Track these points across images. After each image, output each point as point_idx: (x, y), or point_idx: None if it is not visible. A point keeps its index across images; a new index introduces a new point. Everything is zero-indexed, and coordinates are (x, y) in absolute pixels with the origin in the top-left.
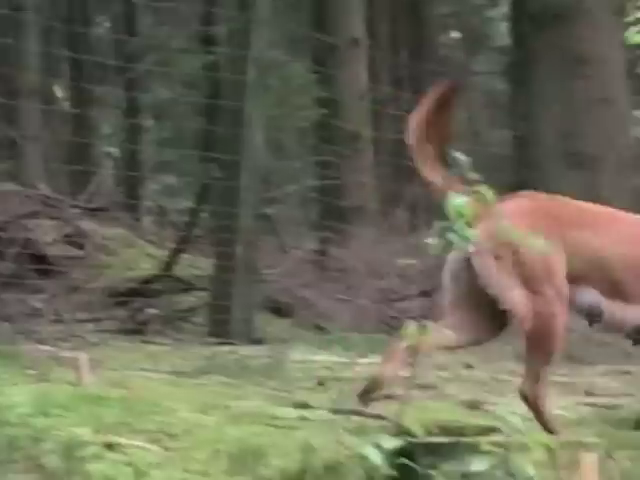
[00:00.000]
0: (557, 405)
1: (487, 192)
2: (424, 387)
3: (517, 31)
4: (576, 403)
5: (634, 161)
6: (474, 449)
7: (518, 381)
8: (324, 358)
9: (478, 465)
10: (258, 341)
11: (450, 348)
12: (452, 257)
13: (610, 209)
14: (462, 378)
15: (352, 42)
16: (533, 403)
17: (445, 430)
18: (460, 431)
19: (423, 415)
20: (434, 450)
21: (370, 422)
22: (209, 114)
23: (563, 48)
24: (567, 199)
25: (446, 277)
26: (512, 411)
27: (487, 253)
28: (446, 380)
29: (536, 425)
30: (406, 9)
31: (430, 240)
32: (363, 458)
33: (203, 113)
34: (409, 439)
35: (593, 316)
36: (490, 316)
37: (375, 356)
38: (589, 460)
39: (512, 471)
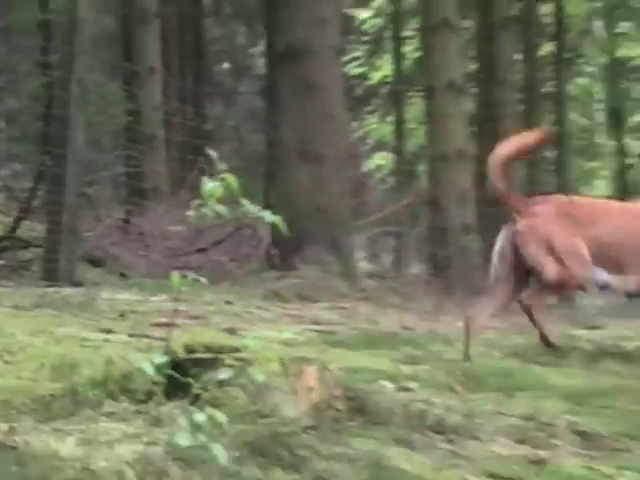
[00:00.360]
0: (291, 330)
1: (232, 179)
2: (195, 317)
3: (269, 63)
4: (304, 329)
5: (349, 158)
6: (224, 363)
7: (264, 314)
8: (126, 297)
9: (224, 374)
10: (78, 284)
11: (498, 311)
12: (499, 245)
13: (611, 202)
14: (224, 311)
15: (150, 70)
16: (534, 314)
17: (208, 349)
18: (219, 350)
19: (192, 338)
20: (198, 364)
21: (156, 343)
22: (46, 120)
23: (298, 77)
24: (580, 199)
25: (495, 258)
26: (258, 335)
27: (529, 240)
28: (212, 312)
29: (276, 346)
30: (191, 45)
31: (190, 213)
32: (141, 370)
33: (42, 119)
34: (179, 355)
35: (604, 287)
36: (519, 286)
37: (163, 295)
38: (311, 370)
39: (251, 378)
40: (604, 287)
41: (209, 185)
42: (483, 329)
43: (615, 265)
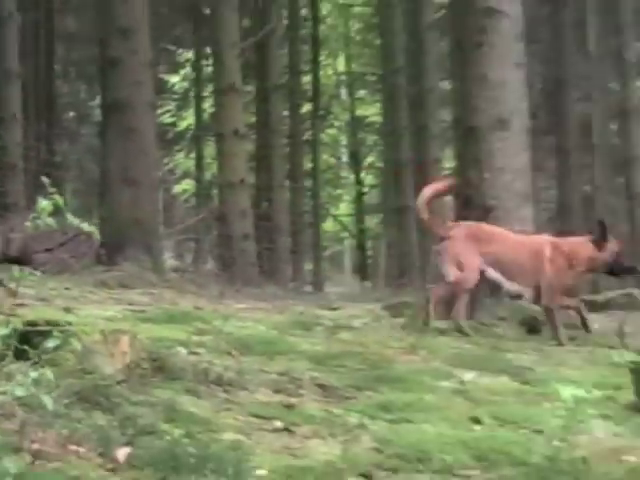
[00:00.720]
0: (112, 309)
1: (59, 199)
2: (41, 299)
3: (103, 113)
4: (123, 309)
5: (160, 184)
6: (55, 334)
7: (94, 297)
8: None
9: (53, 342)
10: None
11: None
12: (432, 258)
13: (505, 231)
14: (63, 295)
15: (13, 116)
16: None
17: (48, 323)
18: (55, 324)
19: (37, 315)
20: (40, 334)
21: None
22: None
23: (122, 124)
24: (485, 225)
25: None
26: (88, 313)
27: (443, 256)
28: (54, 296)
29: (101, 321)
30: (44, 99)
31: (28, 223)
32: None
33: None
34: (17, 329)
35: (496, 286)
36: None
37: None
38: (125, 339)
39: (72, 347)
40: (496, 286)
41: (42, 203)
42: (437, 303)
43: (506, 273)
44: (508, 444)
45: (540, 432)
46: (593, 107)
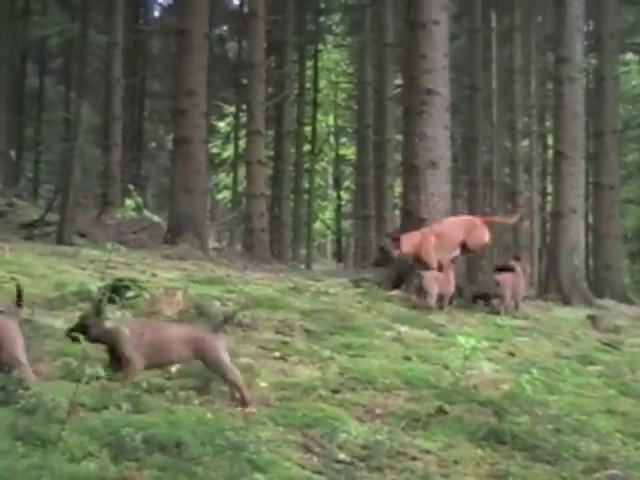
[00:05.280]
0: (173, 274)
1: (138, 198)
2: (128, 264)
3: (173, 144)
4: (180, 274)
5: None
6: (134, 287)
7: (161, 265)
8: (95, 253)
9: (132, 293)
10: (72, 245)
11: None
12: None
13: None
14: (142, 262)
15: (115, 144)
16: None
17: (130, 280)
18: (134, 281)
19: (123, 274)
20: (125, 287)
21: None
22: None
23: (184, 151)
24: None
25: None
26: (158, 276)
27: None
28: (136, 262)
29: (165, 281)
30: None
31: (119, 215)
32: (91, 290)
33: None
34: (110, 283)
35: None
36: None
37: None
38: (179, 293)
39: (145, 296)
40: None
41: (128, 202)
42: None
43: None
44: (426, 374)
45: (447, 367)
46: (494, 157)
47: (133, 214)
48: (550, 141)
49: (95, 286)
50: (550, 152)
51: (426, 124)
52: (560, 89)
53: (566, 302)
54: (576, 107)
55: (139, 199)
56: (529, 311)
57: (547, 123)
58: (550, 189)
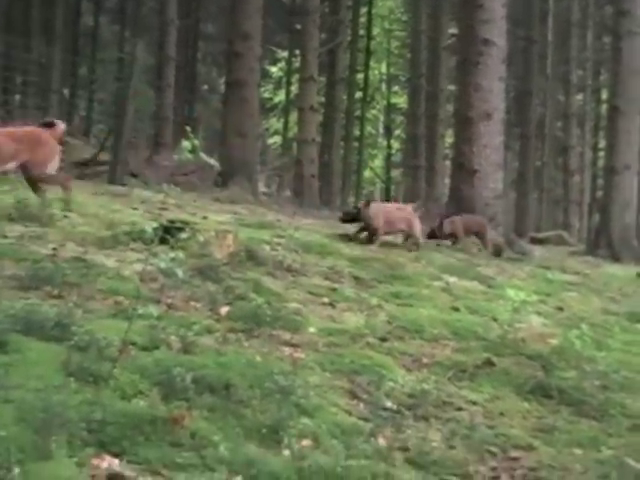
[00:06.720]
0: (223, 217)
1: (195, 141)
2: (178, 206)
3: (226, 87)
4: (230, 217)
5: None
6: (187, 229)
7: (211, 207)
8: (146, 193)
9: (184, 235)
10: (124, 185)
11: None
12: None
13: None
14: (192, 205)
15: (167, 85)
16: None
17: (182, 222)
18: (186, 223)
19: (175, 216)
20: (177, 229)
21: (157, 217)
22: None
23: (237, 94)
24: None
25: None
26: (209, 218)
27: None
28: (186, 204)
29: (215, 224)
30: None
31: (175, 157)
32: (144, 230)
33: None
34: (163, 224)
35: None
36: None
37: (164, 194)
38: (230, 236)
39: (198, 238)
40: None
41: (184, 143)
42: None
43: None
44: (474, 325)
45: (496, 319)
46: (547, 110)
47: (189, 156)
48: (604, 95)
49: (150, 227)
50: (604, 107)
51: (482, 75)
52: (618, 43)
53: (616, 259)
54: (634, 62)
55: (195, 141)
56: (578, 267)
57: (602, 77)
58: (602, 144)
